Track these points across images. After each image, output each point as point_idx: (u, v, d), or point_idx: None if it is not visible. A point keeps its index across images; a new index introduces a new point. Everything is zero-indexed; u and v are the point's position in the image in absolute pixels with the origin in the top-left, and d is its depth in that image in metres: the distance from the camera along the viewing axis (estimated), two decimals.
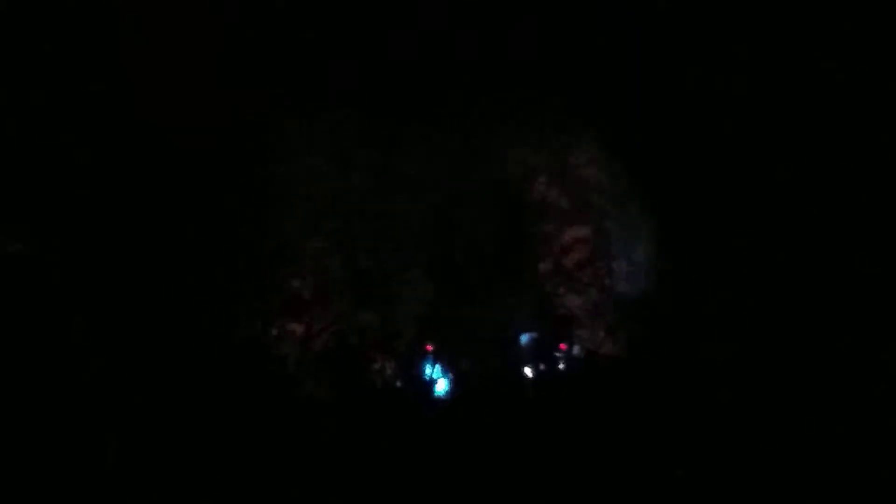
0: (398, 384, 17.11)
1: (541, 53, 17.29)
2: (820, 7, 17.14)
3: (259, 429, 15.74)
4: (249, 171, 16.66)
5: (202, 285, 16.49)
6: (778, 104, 17.91)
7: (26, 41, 15.90)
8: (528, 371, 17.49)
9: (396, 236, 17.14)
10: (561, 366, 17.52)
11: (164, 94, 16.10)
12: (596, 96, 17.54)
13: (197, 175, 16.38)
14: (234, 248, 16.57)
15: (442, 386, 17.27)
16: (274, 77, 16.70)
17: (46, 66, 16.01)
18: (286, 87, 16.75)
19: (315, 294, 16.85)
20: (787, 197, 17.96)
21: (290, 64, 16.78)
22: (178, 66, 16.16)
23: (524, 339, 17.64)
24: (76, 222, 16.10)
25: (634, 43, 17.35)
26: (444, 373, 17.30)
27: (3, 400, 14.69)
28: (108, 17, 16.33)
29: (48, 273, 15.74)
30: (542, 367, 17.47)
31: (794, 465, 14.81)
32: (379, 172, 17.22)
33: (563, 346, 17.71)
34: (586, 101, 17.56)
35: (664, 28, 17.49)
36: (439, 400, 17.22)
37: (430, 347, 17.35)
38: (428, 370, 17.27)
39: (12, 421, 14.45)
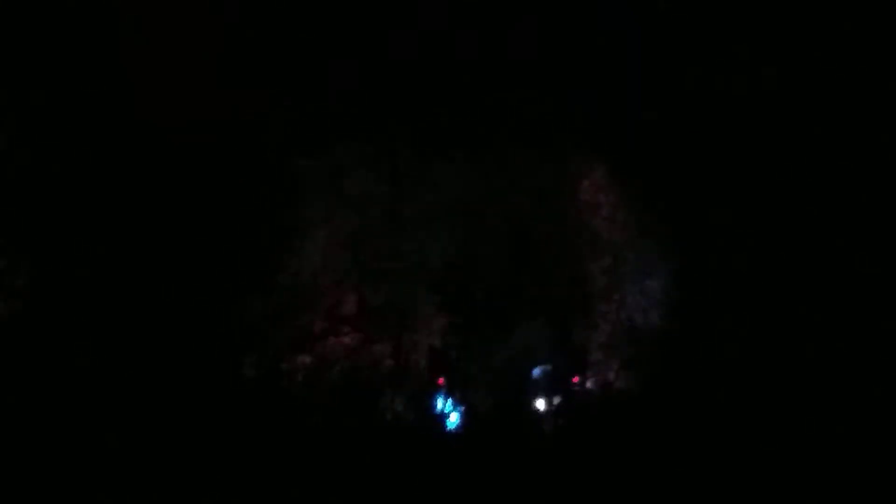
0: (410, 418, 16.99)
1: (558, 79, 17.24)
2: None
3: (269, 462, 15.77)
4: (264, 205, 16.63)
5: (215, 317, 16.50)
6: (794, 131, 17.76)
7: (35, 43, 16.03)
8: (541, 404, 17.35)
9: (408, 269, 17.03)
10: (574, 399, 17.37)
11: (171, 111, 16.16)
12: (612, 128, 17.45)
13: (212, 207, 16.41)
14: (247, 281, 16.54)
15: (454, 419, 17.17)
16: (288, 109, 16.74)
17: (59, 69, 16.16)
18: (301, 117, 16.78)
19: (326, 327, 16.77)
20: (810, 230, 17.73)
21: (305, 95, 16.81)
22: (186, 80, 16.25)
23: (537, 372, 17.50)
24: (82, 254, 16.20)
25: (653, 72, 17.30)
26: (456, 406, 17.20)
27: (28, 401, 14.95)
28: (116, 21, 16.45)
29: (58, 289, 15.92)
30: (555, 400, 17.33)
31: None
32: (391, 206, 17.15)
33: (576, 378, 17.56)
34: (602, 132, 17.45)
35: (680, 52, 17.43)
36: (451, 434, 17.11)
37: (441, 381, 17.26)
38: (440, 404, 17.18)
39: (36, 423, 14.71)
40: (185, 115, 16.20)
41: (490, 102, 17.40)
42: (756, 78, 17.69)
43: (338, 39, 16.82)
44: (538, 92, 17.39)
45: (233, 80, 16.70)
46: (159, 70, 16.29)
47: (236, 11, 16.75)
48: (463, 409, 17.08)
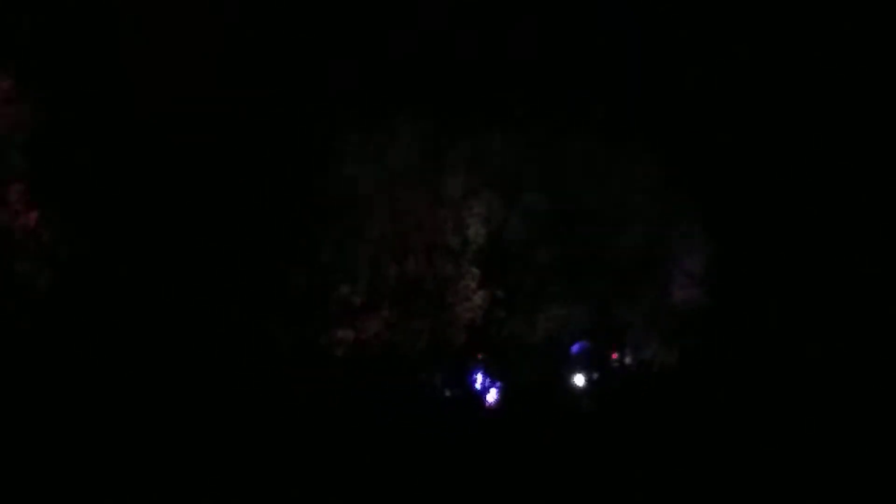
0: (448, 393, 17.03)
1: (590, 64, 17.01)
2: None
3: (309, 435, 15.86)
4: (304, 181, 16.45)
5: (254, 292, 16.43)
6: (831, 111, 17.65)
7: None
8: (579, 380, 17.38)
9: (449, 245, 16.89)
10: (613, 375, 17.41)
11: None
12: (651, 107, 17.26)
13: (253, 185, 16.25)
14: (288, 256, 16.43)
15: (492, 395, 17.20)
16: (330, 91, 16.50)
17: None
18: (343, 95, 16.55)
19: (366, 301, 16.68)
20: (847, 204, 17.66)
21: (344, 78, 16.56)
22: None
23: (576, 348, 17.49)
24: (125, 227, 16.10)
25: (688, 52, 17.09)
26: (495, 382, 17.22)
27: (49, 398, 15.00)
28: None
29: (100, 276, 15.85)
30: (594, 376, 17.36)
31: (861, 473, 14.84)
32: (430, 181, 16.94)
33: (615, 355, 17.57)
34: (641, 111, 17.23)
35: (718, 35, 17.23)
36: (490, 409, 17.17)
37: (480, 356, 17.25)
38: (478, 379, 17.19)
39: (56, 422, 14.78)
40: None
41: (533, 81, 17.10)
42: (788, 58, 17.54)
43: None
44: (580, 72, 17.08)
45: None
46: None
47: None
48: (502, 384, 17.08)
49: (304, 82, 16.73)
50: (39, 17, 15.88)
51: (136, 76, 16.06)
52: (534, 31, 17.26)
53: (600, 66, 17.19)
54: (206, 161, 16.14)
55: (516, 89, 17.17)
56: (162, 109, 15.83)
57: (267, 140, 16.33)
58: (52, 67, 15.82)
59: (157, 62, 15.97)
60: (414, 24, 16.90)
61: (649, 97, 17.19)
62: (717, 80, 17.72)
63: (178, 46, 15.98)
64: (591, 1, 16.93)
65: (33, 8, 15.84)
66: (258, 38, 16.52)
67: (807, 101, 17.58)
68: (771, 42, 17.59)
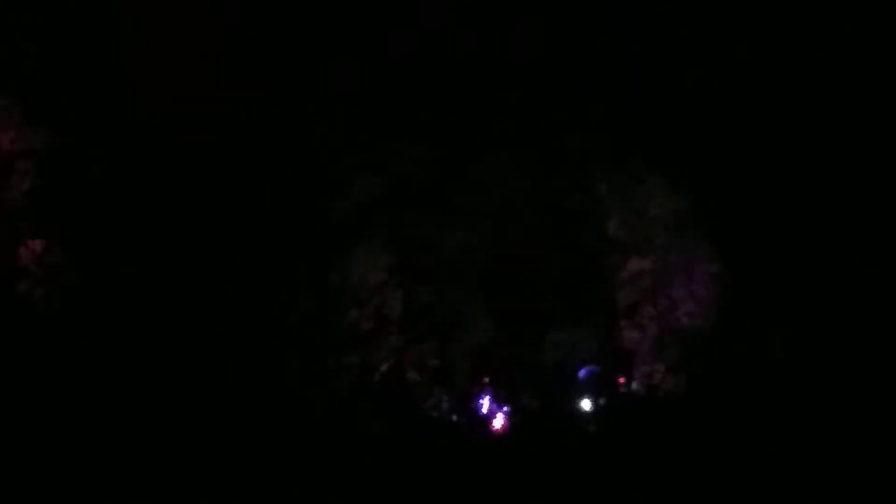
0: (455, 418, 17.01)
1: (607, 84, 16.89)
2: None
3: (314, 460, 15.84)
4: (311, 206, 16.45)
5: (261, 316, 16.44)
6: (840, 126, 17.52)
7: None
8: (586, 405, 17.33)
9: (454, 269, 16.88)
10: (620, 400, 17.34)
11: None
12: (659, 128, 17.17)
13: (259, 209, 16.28)
14: (295, 281, 16.45)
15: (499, 420, 17.16)
16: (334, 109, 16.47)
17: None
18: (347, 116, 16.52)
19: (373, 327, 16.68)
20: (863, 226, 17.54)
21: (347, 97, 16.53)
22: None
23: (583, 372, 17.44)
24: (131, 252, 16.13)
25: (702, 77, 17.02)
26: (502, 406, 17.19)
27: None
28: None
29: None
30: (600, 401, 17.30)
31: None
32: (438, 206, 16.94)
33: (621, 379, 17.50)
34: (649, 133, 17.17)
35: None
36: (496, 434, 17.14)
37: (487, 380, 17.23)
38: (485, 404, 17.16)
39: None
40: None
41: (536, 102, 17.04)
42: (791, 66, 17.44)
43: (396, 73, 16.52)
44: (585, 92, 17.02)
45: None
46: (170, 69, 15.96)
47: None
48: (508, 409, 17.05)
49: (305, 86, 16.66)
50: (42, 40, 15.86)
51: (140, 86, 16.06)
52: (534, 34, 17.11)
53: (603, 86, 17.07)
54: (212, 183, 16.19)
55: (516, 103, 17.06)
56: (166, 121, 15.86)
57: (272, 160, 16.30)
58: (56, 89, 15.81)
59: (160, 71, 15.96)
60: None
61: (652, 115, 17.02)
62: (723, 97, 17.56)
63: (180, 52, 15.95)
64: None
65: (36, 32, 15.81)
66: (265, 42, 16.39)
67: (819, 110, 17.37)
68: (780, 44, 17.40)
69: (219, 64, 16.37)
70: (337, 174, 16.68)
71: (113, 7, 16.40)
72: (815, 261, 17.43)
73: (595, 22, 17.19)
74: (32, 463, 14.35)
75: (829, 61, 17.25)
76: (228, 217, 16.29)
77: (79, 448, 14.87)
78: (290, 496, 15.27)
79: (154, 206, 16.08)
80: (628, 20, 17.16)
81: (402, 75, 16.94)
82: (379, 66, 16.96)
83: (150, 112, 16.18)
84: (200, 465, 15.20)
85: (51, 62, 16.01)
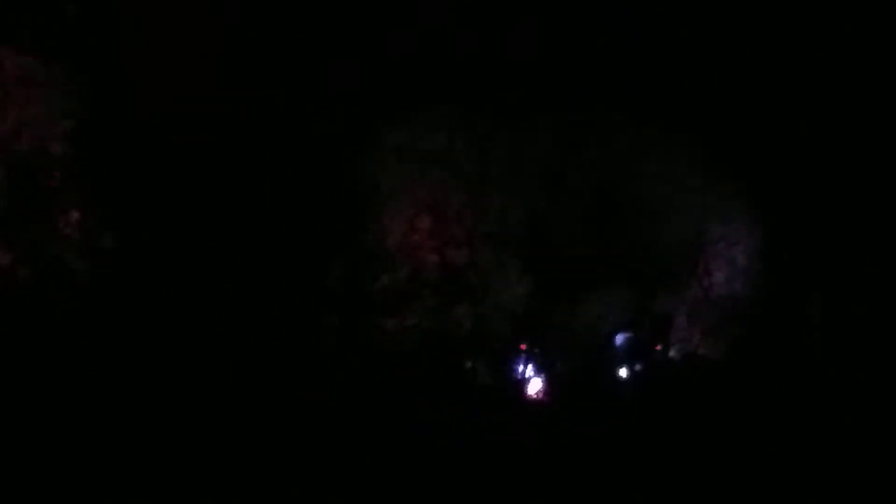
0: (491, 383, 16.94)
1: (642, 52, 16.77)
2: None
3: (351, 423, 15.81)
4: (346, 170, 16.37)
5: (296, 280, 16.42)
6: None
7: None
8: (623, 372, 17.25)
9: (490, 233, 16.77)
10: (656, 367, 17.26)
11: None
12: (695, 97, 17.03)
13: (296, 173, 16.19)
14: (331, 244, 16.39)
15: (535, 386, 17.11)
16: (368, 78, 16.38)
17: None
18: (379, 88, 16.43)
19: (409, 290, 16.60)
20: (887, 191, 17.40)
21: (387, 67, 16.43)
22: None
23: (619, 339, 17.36)
24: (168, 218, 16.12)
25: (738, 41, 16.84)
26: (538, 372, 17.12)
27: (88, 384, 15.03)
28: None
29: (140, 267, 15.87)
30: (637, 367, 17.22)
31: None
32: (474, 170, 16.83)
33: (658, 346, 17.42)
34: (685, 101, 17.01)
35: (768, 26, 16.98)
36: (533, 400, 17.09)
37: (523, 346, 17.15)
38: (521, 369, 17.10)
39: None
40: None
41: (574, 68, 16.90)
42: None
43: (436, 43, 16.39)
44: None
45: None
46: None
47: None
48: (544, 374, 16.97)
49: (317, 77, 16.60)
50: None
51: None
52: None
53: (634, 48, 16.90)
54: (241, 152, 16.14)
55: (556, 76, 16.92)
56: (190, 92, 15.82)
57: (302, 132, 16.23)
58: (98, 53, 15.78)
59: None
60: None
61: (689, 84, 16.85)
62: (762, 63, 17.39)
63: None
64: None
65: None
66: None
67: (846, 87, 17.24)
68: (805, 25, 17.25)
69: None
70: (371, 138, 16.59)
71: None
72: (853, 226, 17.30)
73: None
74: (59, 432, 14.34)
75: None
76: (263, 182, 16.21)
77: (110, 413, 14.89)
78: (324, 460, 15.26)
79: (186, 172, 16.00)
80: None
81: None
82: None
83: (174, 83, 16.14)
84: (236, 423, 15.22)
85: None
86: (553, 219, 17.03)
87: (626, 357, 17.05)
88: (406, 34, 16.24)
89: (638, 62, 17.29)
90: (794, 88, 17.53)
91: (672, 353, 17.07)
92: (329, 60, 16.19)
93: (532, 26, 16.66)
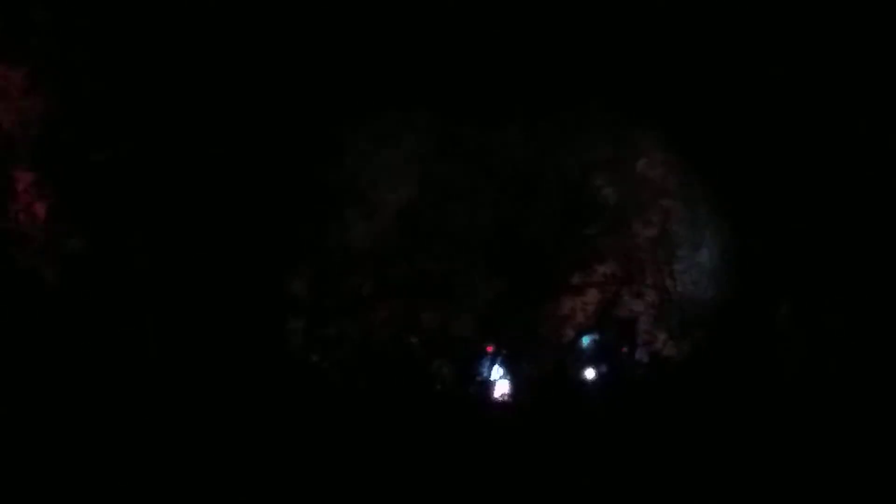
0: (457, 386, 16.90)
1: (608, 52, 16.81)
2: None
3: (313, 430, 15.68)
4: (311, 173, 16.42)
5: (261, 284, 16.35)
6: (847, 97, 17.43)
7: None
8: (589, 374, 17.24)
9: (457, 236, 16.86)
10: (623, 369, 17.26)
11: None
12: (660, 94, 17.04)
13: (260, 175, 16.17)
14: (295, 247, 16.39)
15: (502, 388, 17.07)
16: (336, 79, 16.42)
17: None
18: (347, 89, 16.47)
19: (374, 293, 16.64)
20: (861, 193, 17.43)
21: (352, 66, 16.48)
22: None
23: (585, 341, 17.39)
24: (135, 220, 16.03)
25: (705, 39, 16.88)
26: (505, 375, 17.10)
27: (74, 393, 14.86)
28: None
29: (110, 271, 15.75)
30: (603, 369, 17.22)
31: (874, 474, 14.51)
32: (439, 173, 16.95)
33: (624, 348, 17.44)
34: (650, 99, 17.07)
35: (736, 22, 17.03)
36: (499, 402, 17.03)
37: (490, 349, 17.15)
38: (488, 372, 17.07)
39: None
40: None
41: (541, 70, 17.02)
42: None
43: (397, 43, 16.43)
44: (600, 90, 17.02)
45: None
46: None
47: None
48: (510, 377, 16.96)
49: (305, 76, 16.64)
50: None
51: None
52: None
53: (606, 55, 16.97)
54: (210, 153, 16.09)
55: (524, 78, 16.97)
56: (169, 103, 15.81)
57: (268, 134, 16.23)
58: (66, 59, 15.77)
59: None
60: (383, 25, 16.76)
61: (655, 85, 16.92)
62: (729, 65, 17.41)
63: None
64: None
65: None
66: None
67: (819, 88, 17.27)
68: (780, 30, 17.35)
69: None
70: (336, 140, 16.66)
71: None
72: (823, 227, 17.32)
73: None
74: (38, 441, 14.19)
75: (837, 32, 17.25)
76: (229, 184, 16.18)
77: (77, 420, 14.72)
78: (287, 469, 15.12)
79: (153, 175, 15.96)
80: None
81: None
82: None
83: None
84: (197, 434, 15.06)
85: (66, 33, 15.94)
86: (520, 221, 17.15)
87: (592, 359, 17.03)
88: (374, 35, 16.21)
89: (606, 64, 17.30)
90: (763, 90, 17.52)
91: (638, 356, 17.07)
92: (295, 62, 16.10)
93: (502, 28, 16.56)
